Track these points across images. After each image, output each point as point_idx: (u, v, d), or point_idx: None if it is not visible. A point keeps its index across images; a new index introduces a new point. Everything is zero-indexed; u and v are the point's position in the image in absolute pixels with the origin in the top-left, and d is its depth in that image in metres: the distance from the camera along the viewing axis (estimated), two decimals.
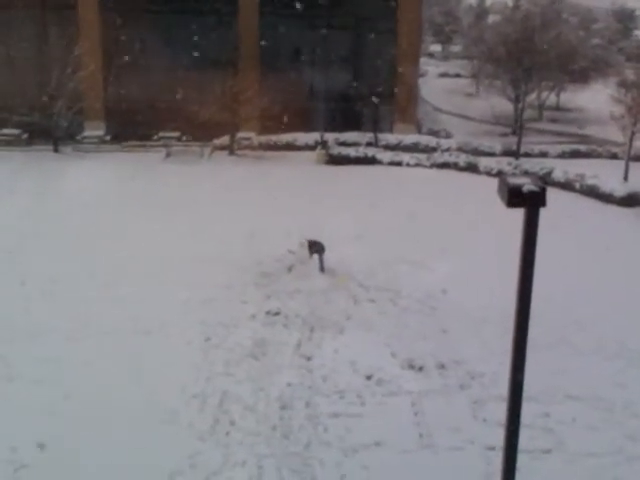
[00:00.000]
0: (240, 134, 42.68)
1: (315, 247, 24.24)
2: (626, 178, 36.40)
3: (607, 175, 35.72)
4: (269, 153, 42.21)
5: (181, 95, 40.87)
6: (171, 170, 38.80)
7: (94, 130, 44.63)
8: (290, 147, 43.23)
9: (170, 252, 25.47)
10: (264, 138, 43.19)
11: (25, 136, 43.14)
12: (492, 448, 14.20)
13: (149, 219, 29.31)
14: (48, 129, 41.89)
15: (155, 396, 16.46)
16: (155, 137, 42.87)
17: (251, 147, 42.86)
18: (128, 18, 43.94)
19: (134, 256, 25.16)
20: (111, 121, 44.87)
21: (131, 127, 43.11)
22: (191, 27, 44.94)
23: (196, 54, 44.06)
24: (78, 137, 44.05)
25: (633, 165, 37.16)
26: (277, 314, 21.24)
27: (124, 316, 20.47)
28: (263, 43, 44.99)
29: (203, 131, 40.45)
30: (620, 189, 33.95)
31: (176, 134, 42.89)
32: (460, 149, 42.19)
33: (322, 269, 24.14)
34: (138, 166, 38.96)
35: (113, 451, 14.47)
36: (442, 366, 18.37)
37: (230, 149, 42.19)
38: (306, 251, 24.59)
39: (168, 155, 41.81)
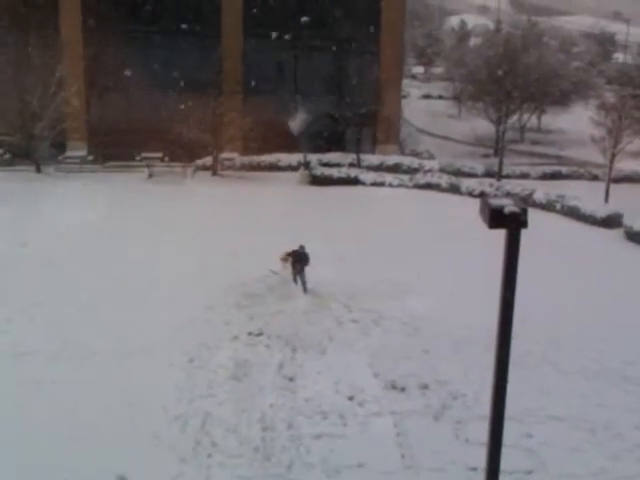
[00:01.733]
0: (223, 155, 42.77)
1: (298, 258, 24.17)
2: (606, 199, 36.74)
3: (588, 196, 36.05)
4: (252, 174, 42.31)
5: (164, 116, 40.89)
6: (154, 191, 38.75)
7: (76, 150, 44.60)
8: (273, 168, 43.37)
9: (153, 273, 25.40)
10: (247, 159, 43.32)
11: (7, 156, 43.02)
12: (474, 469, 14.21)
13: (131, 240, 29.22)
14: (31, 149, 41.77)
15: (137, 418, 16.35)
16: (138, 157, 42.84)
17: (234, 168, 42.96)
18: (111, 40, 44.02)
19: (117, 278, 25.05)
20: (93, 142, 44.83)
21: (113, 148, 43.05)
22: (175, 49, 45.15)
23: (179, 76, 44.17)
24: (60, 157, 43.94)
25: (614, 187, 37.52)
26: (260, 335, 21.19)
27: (106, 338, 20.34)
28: (246, 64, 45.21)
29: (186, 152, 40.51)
30: (601, 210, 34.26)
31: (159, 155, 42.87)
32: (442, 170, 42.47)
33: (305, 289, 24.14)
34: (121, 187, 38.89)
35: (94, 474, 14.33)
36: (424, 386, 18.36)
37: (213, 170, 42.24)
38: (288, 270, 24.60)
39: (151, 175, 41.78)
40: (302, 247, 24.29)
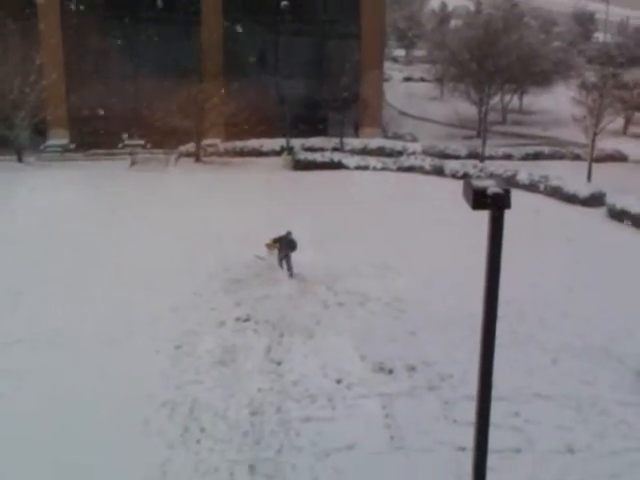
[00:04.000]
0: (206, 141, 42.59)
1: (285, 244, 24.18)
2: (589, 178, 36.90)
3: (571, 176, 36.21)
4: (235, 159, 42.19)
5: (146, 103, 40.64)
6: (137, 178, 38.58)
7: (58, 139, 44.29)
8: (256, 153, 43.24)
9: (138, 260, 25.34)
10: (230, 145, 43.17)
11: None
12: (463, 449, 14.33)
13: (114, 228, 29.14)
14: (11, 139, 41.44)
15: (124, 405, 16.36)
16: (120, 145, 42.61)
17: (217, 154, 42.81)
18: (90, 27, 43.61)
19: (101, 265, 25.01)
20: (75, 130, 44.53)
21: (95, 135, 42.80)
22: (155, 35, 44.83)
23: (160, 62, 43.90)
24: (42, 146, 43.65)
25: (596, 166, 37.69)
26: (247, 320, 21.22)
27: (92, 326, 20.32)
28: (227, 50, 44.98)
29: (168, 138, 40.32)
30: (583, 190, 34.40)
31: (141, 142, 42.67)
32: (426, 152, 42.49)
33: (291, 275, 24.18)
34: (103, 174, 38.67)
35: (81, 464, 14.36)
36: (412, 368, 18.46)
37: (196, 156, 42.07)
38: (274, 255, 24.64)
39: (133, 163, 41.58)
40: (289, 233, 24.29)
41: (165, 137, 40.01)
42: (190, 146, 42.31)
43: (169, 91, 39.54)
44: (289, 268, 24.24)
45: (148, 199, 33.80)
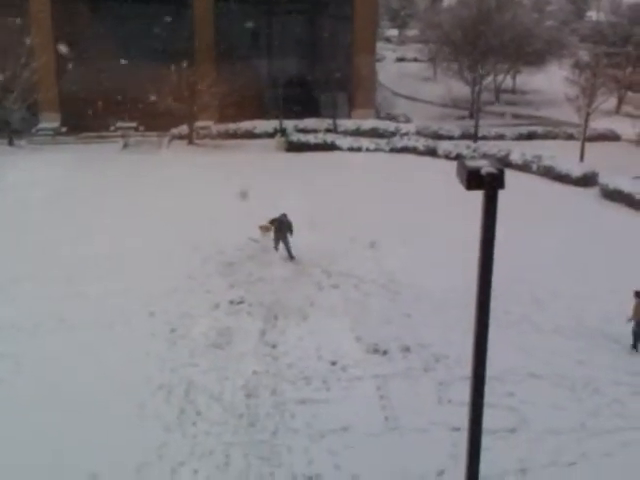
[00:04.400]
0: (198, 123, 42.41)
1: (281, 226, 24.08)
2: (582, 158, 36.87)
3: (564, 156, 36.18)
4: (228, 141, 42.03)
5: (138, 85, 40.40)
6: (129, 160, 38.42)
7: (49, 122, 44.06)
8: (249, 135, 43.09)
9: (131, 243, 25.29)
10: (222, 127, 43.00)
11: None
12: (457, 429, 14.39)
13: (108, 212, 29.06)
14: (2, 122, 41.19)
15: (120, 388, 16.38)
16: (112, 128, 42.40)
17: (210, 136, 42.64)
18: (81, 8, 43.35)
19: (95, 249, 24.93)
20: (67, 113, 44.26)
21: (87, 118, 42.59)
22: (146, 17, 44.48)
23: (151, 44, 43.63)
24: (34, 130, 43.41)
25: (589, 146, 37.65)
26: (241, 303, 21.22)
27: (87, 311, 20.30)
28: (219, 31, 44.70)
29: (161, 121, 40.13)
30: (576, 169, 34.40)
31: (133, 124, 42.48)
32: (419, 133, 42.42)
33: (291, 256, 24.10)
34: (95, 157, 38.53)
35: (79, 447, 14.39)
36: (406, 349, 18.50)
37: (189, 138, 41.90)
38: (268, 237, 24.62)
39: (126, 146, 41.40)
40: (284, 215, 24.24)
41: (157, 120, 39.83)
42: (183, 128, 42.13)
43: (161, 73, 39.32)
44: (288, 250, 24.18)
45: (140, 182, 33.67)
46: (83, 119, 42.66)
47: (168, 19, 44.82)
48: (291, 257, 24.15)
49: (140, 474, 13.68)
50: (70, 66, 44.02)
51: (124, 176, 34.75)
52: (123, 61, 43.13)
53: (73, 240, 25.88)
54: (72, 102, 43.47)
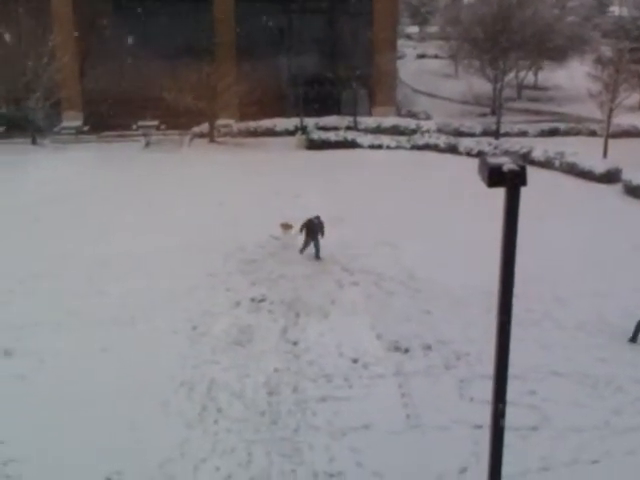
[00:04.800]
0: (219, 121, 42.54)
1: (314, 228, 23.87)
2: (605, 155, 36.60)
3: (586, 152, 35.91)
4: (249, 140, 42.11)
5: (159, 84, 40.56)
6: (151, 159, 38.63)
7: (72, 121, 44.36)
8: (270, 133, 43.15)
9: (154, 241, 25.41)
10: (243, 125, 43.08)
11: (2, 129, 42.83)
12: (479, 427, 14.34)
13: (130, 210, 29.25)
14: (26, 121, 41.56)
15: (143, 385, 16.48)
16: (134, 126, 42.61)
17: (231, 134, 42.75)
18: (102, 8, 43.57)
19: (116, 247, 25.10)
20: (89, 112, 44.53)
21: (109, 117, 42.80)
22: (167, 15, 44.67)
23: (173, 42, 43.78)
24: (56, 128, 43.73)
25: (612, 142, 37.35)
26: (262, 301, 21.27)
27: (109, 308, 20.44)
28: (239, 30, 44.78)
29: (182, 119, 40.27)
30: (600, 166, 34.14)
31: (155, 123, 42.67)
32: (440, 130, 42.26)
33: (317, 256, 24.01)
34: (117, 156, 38.79)
35: (103, 442, 14.50)
36: (428, 347, 18.47)
37: (210, 137, 42.04)
38: (289, 235, 24.62)
39: (147, 144, 41.60)
40: (317, 217, 24.06)
41: (179, 118, 39.97)
42: (204, 127, 42.28)
43: (182, 72, 39.46)
44: (317, 250, 24.04)
45: (161, 180, 33.84)
46: (105, 118, 42.88)
47: (189, 18, 44.94)
48: (317, 257, 24.05)
49: (163, 471, 13.76)
50: (92, 65, 44.23)
51: (145, 174, 34.96)
52: (144, 60, 43.25)
53: (94, 238, 26.08)
54: (94, 101, 43.67)
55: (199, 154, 39.56)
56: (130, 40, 44.03)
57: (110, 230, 26.81)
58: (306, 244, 24.14)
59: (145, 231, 26.57)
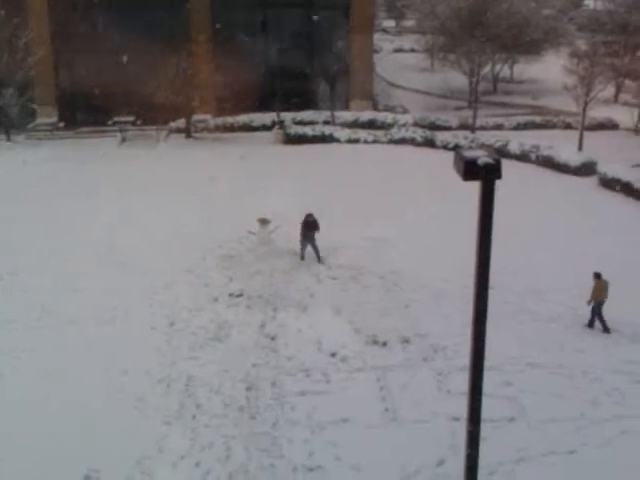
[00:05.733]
0: (196, 117, 42.35)
1: (308, 227, 23.37)
2: (580, 148, 36.84)
3: (562, 145, 36.11)
4: (226, 135, 41.99)
5: (135, 79, 40.25)
6: (127, 155, 38.40)
7: (47, 117, 43.99)
8: (247, 128, 43.05)
9: (129, 238, 25.30)
10: (220, 120, 42.94)
11: None
12: (457, 419, 14.42)
13: (106, 207, 29.03)
14: None
15: (120, 382, 16.41)
16: (110, 122, 42.32)
17: (208, 129, 42.59)
18: (77, 2, 43.17)
19: (92, 244, 24.95)
20: (64, 108, 44.18)
21: (85, 113, 42.51)
22: (142, 10, 44.27)
23: (148, 37, 43.31)
24: (31, 125, 43.35)
25: (587, 134, 37.61)
26: (240, 296, 21.23)
27: (86, 305, 20.32)
28: (215, 24, 44.58)
29: (159, 115, 40.03)
30: (575, 159, 34.35)
31: (131, 119, 42.40)
32: (417, 124, 42.30)
33: (318, 258, 23.42)
34: (93, 152, 38.50)
35: (77, 442, 14.43)
36: (405, 340, 18.53)
37: (187, 132, 41.87)
38: (266, 230, 24.53)
39: (124, 140, 41.36)
40: (310, 215, 23.60)
41: (155, 113, 39.71)
42: (181, 122, 42.09)
43: (158, 67, 39.22)
44: (316, 252, 23.57)
45: (137, 176, 33.62)
46: (81, 114, 42.61)
47: (165, 12, 44.61)
48: (319, 259, 23.50)
49: (140, 467, 13.72)
50: (67, 61, 43.87)
51: (121, 171, 34.73)
52: (120, 55, 42.96)
53: (71, 235, 25.88)
54: (69, 97, 43.40)
55: (175, 150, 39.37)
56: (106, 35, 43.60)
57: (88, 227, 26.63)
58: (303, 246, 23.63)
59: (122, 228, 26.43)
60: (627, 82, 48.94)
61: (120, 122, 42.13)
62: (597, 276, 19.09)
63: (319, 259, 23.59)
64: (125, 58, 42.67)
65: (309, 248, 23.62)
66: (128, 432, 14.67)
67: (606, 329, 18.91)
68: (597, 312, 18.98)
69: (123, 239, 25.23)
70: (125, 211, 28.35)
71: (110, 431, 14.69)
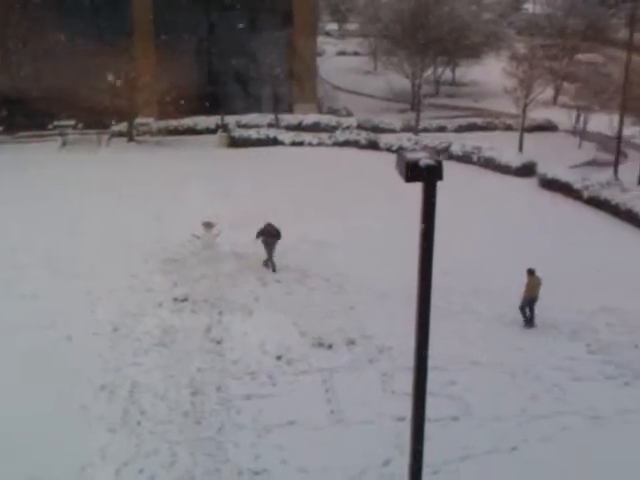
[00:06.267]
0: (138, 120, 41.88)
1: (269, 234, 23.07)
2: (521, 149, 37.47)
3: (503, 147, 36.69)
4: (169, 138, 41.60)
5: (76, 82, 39.61)
6: (68, 159, 37.74)
7: None
8: (190, 131, 42.73)
9: (71, 243, 24.92)
10: (163, 123, 42.54)
11: None
12: (402, 419, 14.51)
13: (47, 211, 28.53)
14: None
15: (62, 389, 16.14)
16: (50, 126, 41.58)
17: (150, 133, 42.15)
18: (16, 3, 42.34)
19: (33, 249, 24.50)
20: (2, 111, 43.22)
21: (24, 117, 41.65)
22: (83, 12, 43.71)
23: (89, 40, 42.71)
24: None
25: (527, 136, 38.30)
26: (185, 300, 21.08)
27: (28, 312, 19.91)
28: (158, 27, 44.18)
29: (100, 118, 39.50)
30: (515, 160, 34.94)
31: (72, 122, 41.71)
32: (361, 127, 42.55)
33: (273, 269, 23.13)
34: (32, 157, 37.71)
35: (18, 451, 14.14)
36: (351, 342, 18.62)
37: (129, 136, 41.38)
38: (211, 234, 24.39)
39: (64, 144, 40.68)
40: (270, 224, 23.22)
41: (97, 117, 39.17)
42: (123, 126, 41.59)
43: (99, 69, 38.68)
44: (272, 261, 23.28)
45: (78, 181, 33.03)
46: (20, 118, 41.75)
47: (107, 14, 44.05)
48: (273, 269, 23.21)
49: (84, 475, 13.52)
50: (4, 63, 42.98)
51: (61, 176, 34.06)
52: (62, 57, 42.21)
53: (12, 241, 25.36)
54: (8, 100, 42.47)
55: (117, 154, 38.85)
56: (45, 37, 42.81)
57: (26, 233, 26.12)
58: (269, 255, 23.27)
59: (62, 233, 25.99)
60: (565, 84, 49.94)
61: (60, 126, 41.44)
62: (530, 272, 19.48)
63: (273, 269, 23.19)
64: (66, 61, 41.91)
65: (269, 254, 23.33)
66: (71, 440, 14.45)
67: (529, 322, 19.27)
68: (525, 306, 19.31)
69: (64, 244, 24.83)
70: (66, 216, 27.89)
71: (52, 439, 14.44)
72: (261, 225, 23.29)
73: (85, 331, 18.97)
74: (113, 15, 44.27)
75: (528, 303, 19.40)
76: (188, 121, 43.01)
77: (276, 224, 23.34)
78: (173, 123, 42.60)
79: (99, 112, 38.47)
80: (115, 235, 25.69)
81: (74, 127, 41.81)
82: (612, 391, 16.51)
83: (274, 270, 23.18)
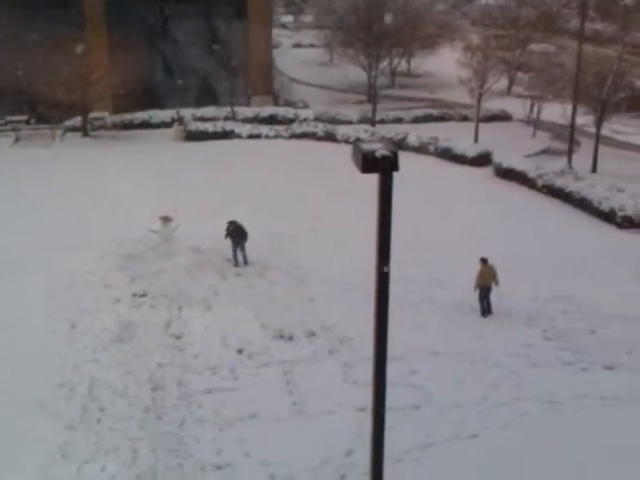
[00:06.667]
0: (93, 114, 41.37)
1: (237, 232, 22.94)
2: (476, 139, 37.79)
3: (459, 137, 36.98)
4: (124, 132, 41.20)
5: (28, 77, 39.00)
6: (21, 155, 37.17)
7: None
8: (146, 125, 42.34)
9: (25, 239, 24.51)
10: (118, 117, 42.11)
11: None
12: (363, 409, 14.56)
13: (0, 207, 28.08)
14: None
15: (19, 388, 15.92)
16: (2, 122, 40.89)
17: (105, 127, 41.68)
18: None
19: None
20: None
21: None
22: (35, 6, 42.90)
23: (41, 33, 42.06)
24: None
25: (482, 126, 38.62)
26: (143, 295, 20.92)
27: None
28: (111, 20, 43.62)
29: (54, 113, 38.94)
30: (471, 150, 35.24)
31: (24, 117, 41.09)
32: (318, 119, 42.55)
33: (245, 261, 23.03)
34: None
35: None
36: (312, 333, 18.65)
37: (83, 130, 40.85)
38: (168, 228, 24.21)
39: (17, 140, 40.05)
40: (234, 222, 23.06)
41: (50, 112, 38.61)
42: (77, 120, 41.04)
43: (52, 63, 38.06)
44: (244, 256, 23.13)
45: (32, 177, 32.57)
46: None
47: (58, 8, 43.36)
48: (245, 262, 23.07)
49: (44, 475, 13.35)
50: None
51: (14, 172, 33.56)
52: (12, 51, 41.50)
53: None
54: None
55: (72, 149, 38.32)
56: None
57: None
58: (235, 252, 23.11)
59: (16, 230, 25.57)
60: (519, 74, 50.51)
61: (13, 121, 40.79)
62: (483, 261, 19.67)
63: (246, 262, 23.09)
64: (16, 55, 41.21)
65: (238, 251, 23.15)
66: (30, 440, 14.27)
67: (486, 311, 19.50)
68: (481, 296, 19.51)
69: (18, 241, 24.42)
70: (20, 212, 27.48)
71: (11, 440, 14.24)
72: (224, 222, 23.16)
73: (42, 329, 18.71)
74: (64, 8, 43.63)
75: (483, 292, 19.58)
76: (143, 115, 42.61)
77: (236, 219, 23.22)
78: (128, 117, 42.19)
79: (52, 107, 37.93)
80: (70, 231, 25.37)
81: (27, 122, 41.20)
82: (569, 377, 16.77)
83: (246, 262, 23.05)
